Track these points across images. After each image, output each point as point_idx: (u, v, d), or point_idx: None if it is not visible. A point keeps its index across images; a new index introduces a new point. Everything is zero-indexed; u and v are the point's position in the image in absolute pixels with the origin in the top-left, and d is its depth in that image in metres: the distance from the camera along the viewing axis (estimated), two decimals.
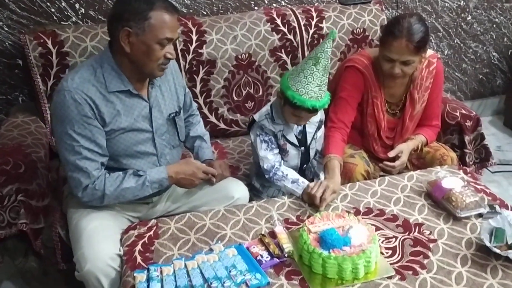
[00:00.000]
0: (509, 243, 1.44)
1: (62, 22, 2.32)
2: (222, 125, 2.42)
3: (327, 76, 1.74)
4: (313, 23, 2.46)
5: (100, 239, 1.57)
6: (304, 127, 1.89)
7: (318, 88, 1.71)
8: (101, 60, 1.61)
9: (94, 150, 1.58)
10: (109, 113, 1.60)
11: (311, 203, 1.71)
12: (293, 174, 1.81)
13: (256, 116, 1.87)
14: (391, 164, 2.00)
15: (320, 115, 1.93)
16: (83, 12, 2.34)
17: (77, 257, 1.56)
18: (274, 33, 2.41)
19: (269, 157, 1.83)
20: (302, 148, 1.90)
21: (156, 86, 1.72)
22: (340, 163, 1.86)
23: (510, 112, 3.36)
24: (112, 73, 1.60)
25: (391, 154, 2.01)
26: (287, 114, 1.80)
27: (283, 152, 1.88)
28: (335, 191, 1.71)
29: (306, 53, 2.47)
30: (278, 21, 2.43)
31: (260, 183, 1.96)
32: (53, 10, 2.29)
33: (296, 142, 1.88)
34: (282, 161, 1.87)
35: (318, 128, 1.93)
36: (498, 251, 1.42)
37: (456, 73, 3.31)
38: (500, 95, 3.51)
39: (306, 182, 1.77)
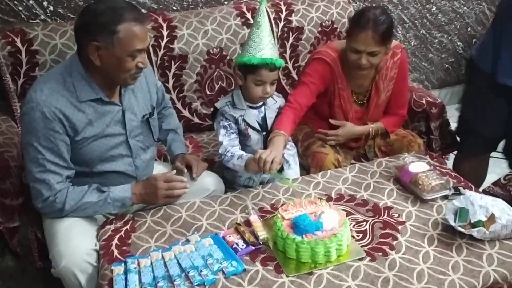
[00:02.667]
0: (472, 221, 1.51)
1: (30, 21, 2.30)
2: (196, 120, 2.44)
3: (274, 38, 1.86)
4: (282, 17, 2.50)
5: (75, 235, 1.57)
6: (265, 113, 1.94)
7: (269, 48, 1.80)
8: (71, 68, 1.58)
9: (59, 164, 1.56)
10: (81, 122, 1.57)
11: (254, 170, 1.73)
12: (239, 152, 1.83)
13: (218, 104, 1.91)
14: (324, 131, 2.09)
15: (280, 102, 1.99)
16: (52, 9, 2.33)
17: (53, 254, 1.56)
18: (244, 27, 2.44)
19: (224, 142, 1.87)
20: (264, 133, 1.94)
21: (128, 89, 1.70)
22: (286, 141, 1.86)
23: None
24: (82, 81, 1.57)
25: (333, 122, 2.10)
26: (251, 89, 1.84)
27: (245, 137, 1.92)
28: (276, 156, 1.70)
29: (277, 47, 2.51)
30: (248, 15, 2.45)
31: (231, 173, 1.99)
32: (20, 8, 2.27)
33: (257, 126, 1.92)
34: (241, 146, 1.90)
35: (279, 114, 1.97)
36: (462, 230, 1.49)
37: (423, 63, 3.41)
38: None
39: (250, 155, 1.79)
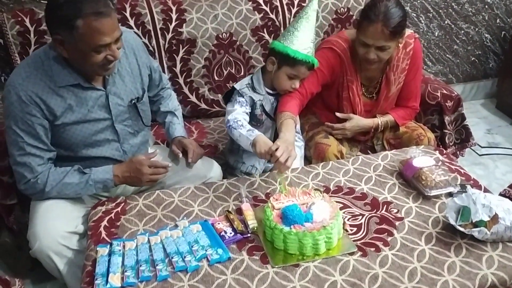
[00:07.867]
0: (473, 221, 1.43)
1: (41, 1, 2.31)
2: (203, 105, 2.41)
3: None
4: (295, 2, 2.43)
5: (52, 217, 1.56)
6: (277, 101, 1.88)
7: (313, 45, 1.79)
8: (49, 52, 1.53)
9: (38, 147, 1.55)
10: (59, 107, 1.54)
11: (260, 154, 1.59)
12: (250, 127, 1.72)
13: (237, 85, 1.84)
14: (331, 124, 2.02)
15: None
16: None
17: (29, 234, 1.56)
18: (255, 12, 2.38)
19: (237, 109, 1.77)
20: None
21: (113, 73, 1.62)
22: (295, 122, 1.79)
23: (502, 95, 3.31)
24: (60, 66, 1.52)
25: (339, 115, 2.03)
26: (282, 79, 1.80)
27: (257, 122, 1.86)
28: (291, 156, 1.58)
29: None
30: (260, 0, 2.39)
31: (234, 159, 1.95)
32: None
33: (272, 114, 1.88)
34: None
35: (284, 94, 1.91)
36: (462, 229, 1.41)
37: (447, 55, 3.26)
38: (493, 78, 3.46)
39: (261, 133, 1.67)
